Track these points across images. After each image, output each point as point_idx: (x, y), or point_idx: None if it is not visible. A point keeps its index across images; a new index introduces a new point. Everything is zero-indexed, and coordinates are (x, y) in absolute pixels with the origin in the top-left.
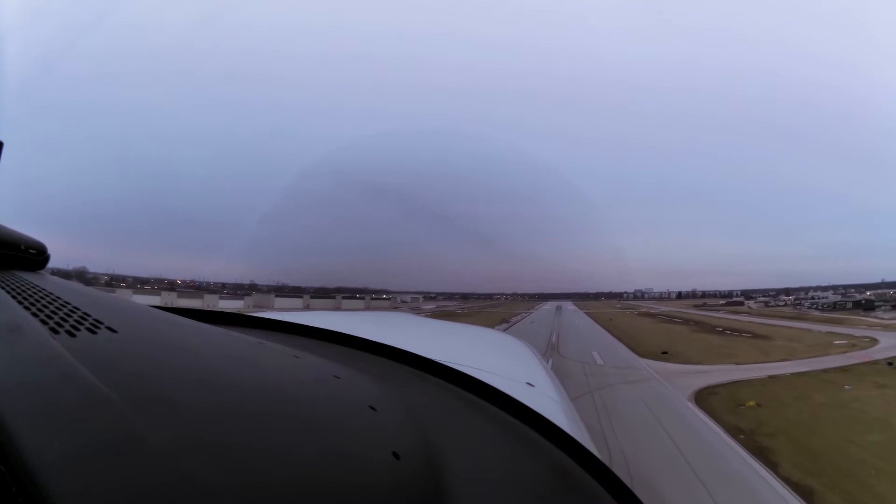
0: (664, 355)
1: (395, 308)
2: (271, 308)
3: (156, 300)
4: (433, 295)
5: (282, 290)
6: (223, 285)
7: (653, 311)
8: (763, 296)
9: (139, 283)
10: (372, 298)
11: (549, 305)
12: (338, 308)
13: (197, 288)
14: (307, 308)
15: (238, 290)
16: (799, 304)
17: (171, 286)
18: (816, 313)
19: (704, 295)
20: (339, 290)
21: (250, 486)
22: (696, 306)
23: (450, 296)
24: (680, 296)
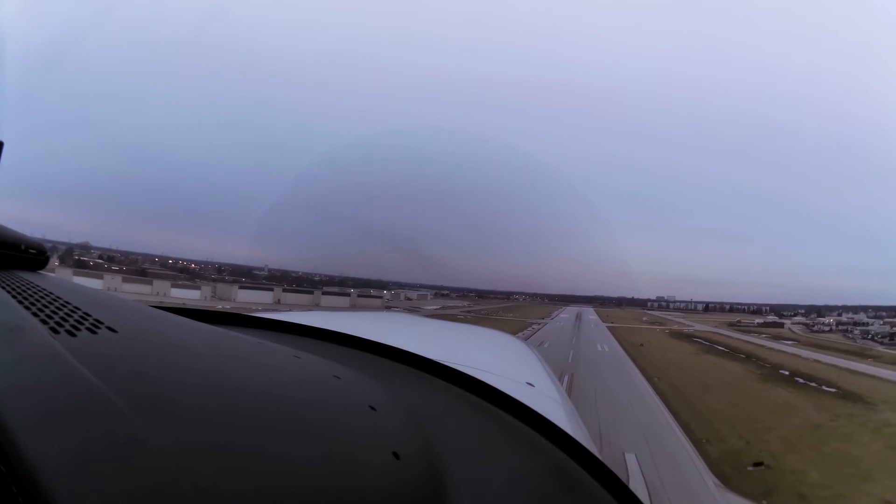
0: (759, 469)
1: (388, 308)
2: (233, 301)
3: (97, 283)
4: (446, 292)
5: (283, 279)
6: (219, 268)
7: (685, 329)
8: (794, 314)
9: (111, 262)
10: (359, 295)
11: (567, 313)
12: (316, 305)
13: (181, 271)
14: (277, 303)
15: (228, 276)
16: (847, 332)
17: (120, 268)
18: (880, 349)
19: (732, 309)
20: (342, 283)
21: (250, 486)
22: (730, 325)
23: (466, 293)
24: (707, 308)
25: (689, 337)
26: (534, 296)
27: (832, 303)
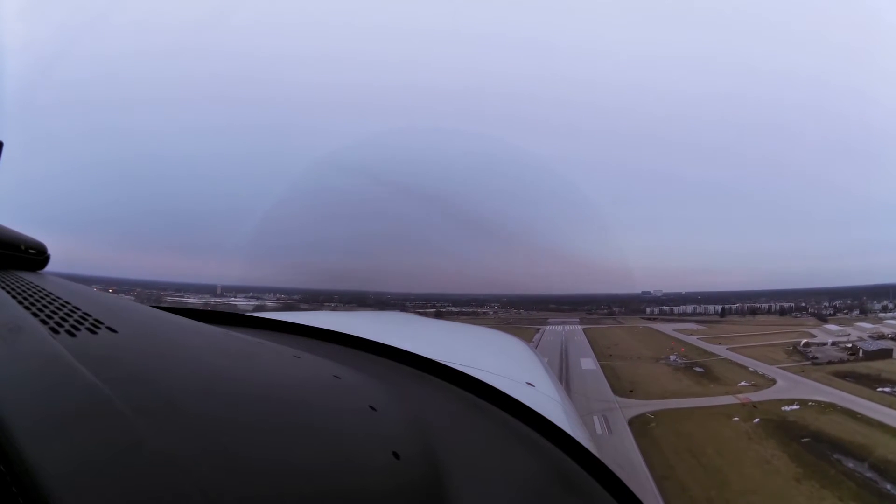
0: None
1: None
2: None
3: None
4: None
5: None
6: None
7: (774, 399)
8: (834, 310)
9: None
10: None
11: (541, 352)
12: None
13: None
14: None
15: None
16: None
17: None
18: None
19: (754, 311)
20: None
21: (251, 487)
22: (801, 356)
23: (434, 303)
24: (723, 312)
25: (825, 459)
26: (511, 301)
27: (864, 283)
